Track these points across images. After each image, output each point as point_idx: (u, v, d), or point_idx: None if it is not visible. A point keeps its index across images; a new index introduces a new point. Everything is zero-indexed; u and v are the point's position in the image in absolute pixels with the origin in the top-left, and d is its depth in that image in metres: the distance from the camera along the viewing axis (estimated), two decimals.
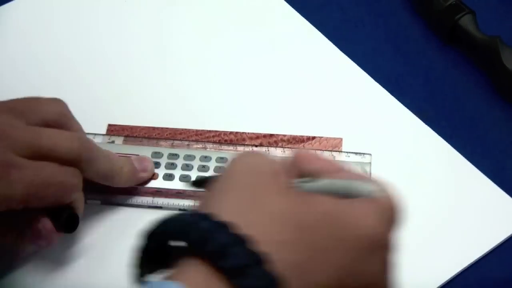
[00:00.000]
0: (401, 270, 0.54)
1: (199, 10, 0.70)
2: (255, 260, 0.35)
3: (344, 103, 0.63)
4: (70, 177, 0.50)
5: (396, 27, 0.69)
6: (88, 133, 0.58)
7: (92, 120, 0.60)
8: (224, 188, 0.40)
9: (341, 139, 0.60)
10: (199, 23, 0.69)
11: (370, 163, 0.58)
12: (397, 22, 0.69)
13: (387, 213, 0.40)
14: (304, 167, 0.42)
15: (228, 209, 0.38)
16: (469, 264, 0.55)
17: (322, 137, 0.60)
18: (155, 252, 0.39)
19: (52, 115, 0.53)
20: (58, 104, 0.54)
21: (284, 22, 0.69)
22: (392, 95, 0.63)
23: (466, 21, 0.65)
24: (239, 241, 0.36)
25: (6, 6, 0.70)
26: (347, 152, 0.59)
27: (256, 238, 0.36)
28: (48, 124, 0.52)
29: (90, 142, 0.53)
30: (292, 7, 0.70)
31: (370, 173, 0.58)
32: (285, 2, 0.70)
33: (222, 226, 0.36)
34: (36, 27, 0.69)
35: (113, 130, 0.61)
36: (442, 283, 0.54)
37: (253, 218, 0.38)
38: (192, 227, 0.36)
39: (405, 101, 0.63)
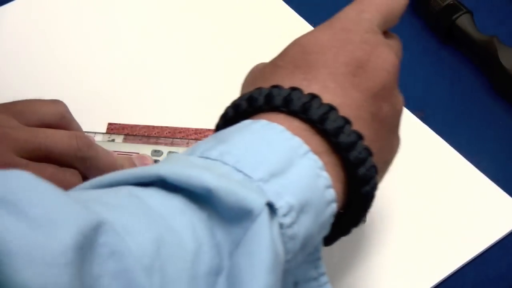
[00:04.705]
0: (398, 268, 0.55)
1: (197, 10, 0.70)
2: (345, 120, 0.42)
3: None
4: (70, 177, 0.51)
5: (394, 27, 0.69)
6: (88, 132, 0.58)
7: (92, 119, 0.60)
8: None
9: None
10: (197, 23, 0.69)
11: None
12: None
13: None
14: None
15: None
16: (465, 263, 0.55)
17: None
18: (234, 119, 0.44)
19: (51, 116, 0.53)
20: (57, 105, 0.55)
21: (282, 22, 0.69)
22: None
23: (463, 21, 0.66)
24: (331, 107, 0.42)
25: (6, 6, 0.70)
26: None
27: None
28: (47, 125, 0.52)
29: (89, 140, 0.53)
30: (290, 6, 0.70)
31: None
32: (283, 2, 0.70)
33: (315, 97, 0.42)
34: (36, 27, 0.69)
35: (113, 128, 0.61)
36: (438, 282, 0.54)
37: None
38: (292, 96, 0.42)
39: None
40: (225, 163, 0.38)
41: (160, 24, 0.69)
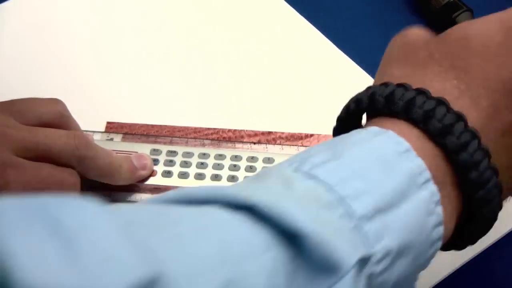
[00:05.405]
0: None
1: (199, 9, 0.70)
2: (458, 118, 0.37)
3: (342, 101, 0.63)
4: (68, 176, 0.50)
5: (394, 25, 0.69)
6: (87, 131, 0.58)
7: (91, 118, 0.60)
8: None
9: None
10: (198, 22, 0.69)
11: None
12: (395, 20, 0.70)
13: None
14: None
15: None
16: (465, 261, 0.55)
17: (320, 134, 0.60)
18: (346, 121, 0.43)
19: (49, 115, 0.53)
20: (56, 104, 0.55)
21: (283, 20, 0.69)
22: None
23: (464, 19, 0.65)
24: (440, 102, 0.38)
25: (5, 4, 0.70)
26: None
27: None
28: (45, 124, 0.52)
29: (87, 139, 0.53)
30: (291, 5, 0.70)
31: None
32: (285, 2, 0.70)
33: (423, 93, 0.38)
34: (34, 26, 0.69)
35: (112, 127, 0.61)
36: (439, 280, 0.54)
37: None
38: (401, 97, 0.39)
39: None
40: (330, 190, 0.35)
41: (159, 23, 0.69)
